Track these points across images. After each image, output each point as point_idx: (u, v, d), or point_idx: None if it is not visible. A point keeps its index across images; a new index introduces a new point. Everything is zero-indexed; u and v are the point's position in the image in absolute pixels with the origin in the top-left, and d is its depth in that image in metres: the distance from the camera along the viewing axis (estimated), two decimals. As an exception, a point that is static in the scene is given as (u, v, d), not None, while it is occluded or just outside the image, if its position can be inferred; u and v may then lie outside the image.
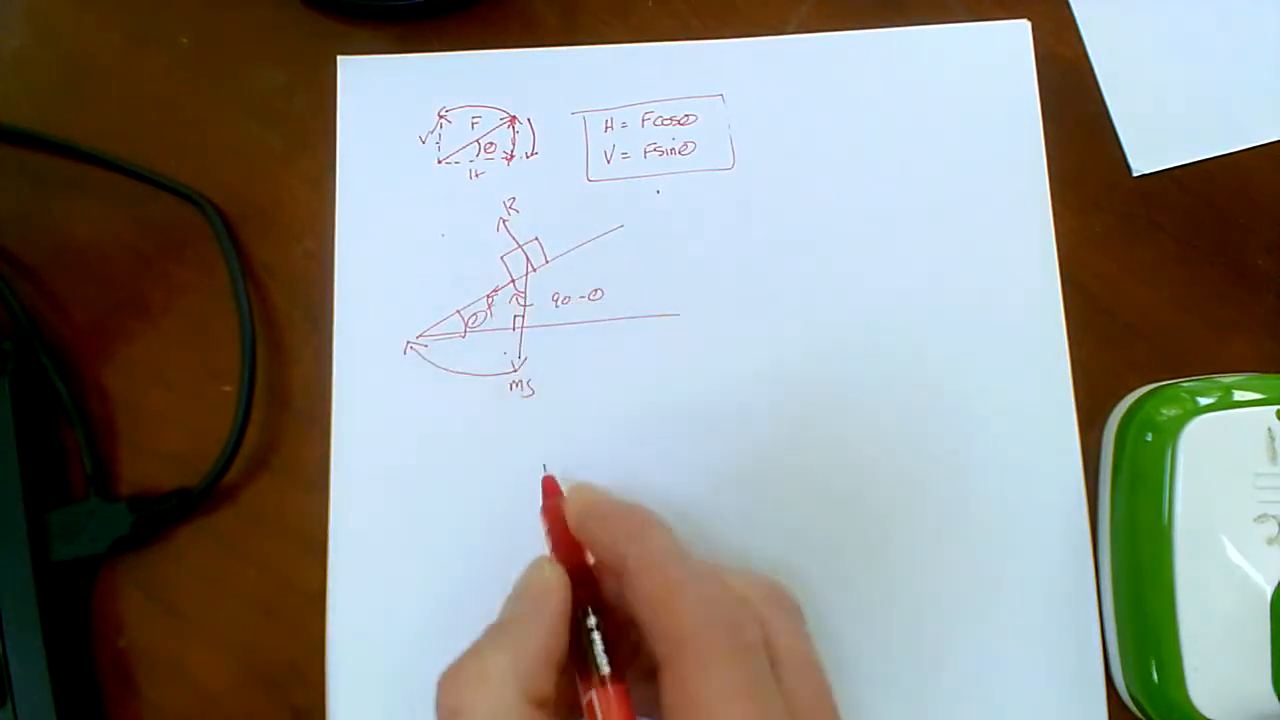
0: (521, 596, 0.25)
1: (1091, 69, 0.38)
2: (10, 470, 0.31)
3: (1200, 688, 0.30)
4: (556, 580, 0.25)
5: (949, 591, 0.33)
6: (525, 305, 0.35)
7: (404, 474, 0.33)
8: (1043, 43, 0.37)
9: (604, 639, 0.24)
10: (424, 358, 0.34)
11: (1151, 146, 0.37)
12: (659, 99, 0.36)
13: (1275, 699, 0.29)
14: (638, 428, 0.34)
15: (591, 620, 0.24)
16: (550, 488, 0.31)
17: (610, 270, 0.35)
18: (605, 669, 0.23)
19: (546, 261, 0.35)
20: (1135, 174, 0.37)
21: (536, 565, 0.26)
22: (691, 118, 0.36)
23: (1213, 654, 0.30)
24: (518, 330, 0.34)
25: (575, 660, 0.24)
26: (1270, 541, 0.30)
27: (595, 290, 0.35)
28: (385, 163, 0.36)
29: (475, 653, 0.23)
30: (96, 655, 0.32)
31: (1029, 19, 0.37)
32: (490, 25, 0.37)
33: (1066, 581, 0.33)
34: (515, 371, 0.34)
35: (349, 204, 0.35)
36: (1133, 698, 0.32)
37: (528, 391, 0.34)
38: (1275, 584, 0.30)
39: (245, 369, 0.33)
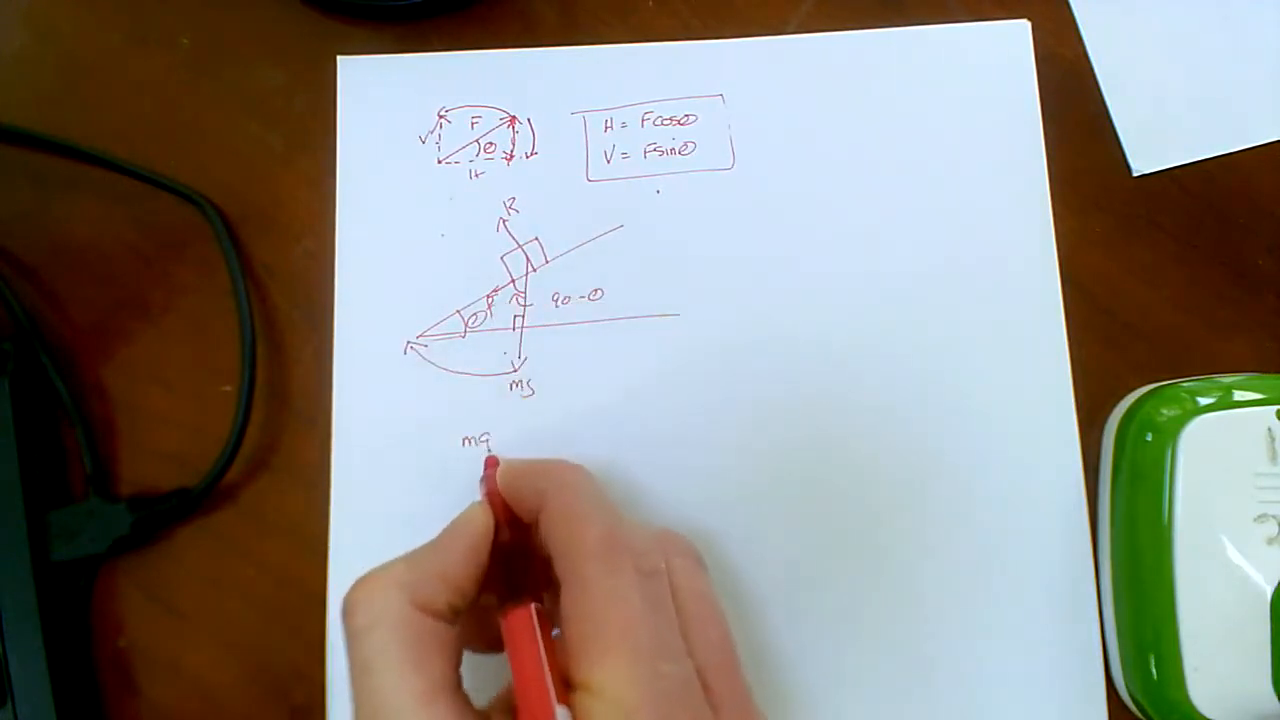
0: (445, 528, 0.27)
1: (1091, 69, 0.38)
2: (10, 470, 0.31)
3: (1200, 688, 0.30)
4: (476, 515, 0.27)
5: (949, 591, 0.33)
6: (525, 305, 0.35)
7: (404, 474, 0.33)
8: (1043, 43, 0.37)
9: (526, 574, 0.26)
10: (424, 358, 0.34)
11: (1151, 146, 0.37)
12: (659, 99, 0.36)
13: (1275, 699, 0.29)
14: (637, 428, 0.34)
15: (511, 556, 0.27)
16: (490, 462, 0.31)
17: (610, 270, 0.35)
18: (520, 591, 0.25)
19: (546, 261, 0.35)
20: (1135, 174, 0.37)
21: (468, 506, 0.28)
22: (691, 118, 0.36)
23: (1213, 654, 0.30)
24: (518, 330, 0.34)
25: (498, 594, 0.26)
26: (1270, 541, 0.30)
27: (595, 290, 0.35)
28: (385, 163, 0.36)
29: (379, 566, 0.26)
30: (96, 655, 0.32)
31: (1029, 19, 0.37)
32: (490, 25, 0.37)
33: (1066, 581, 0.33)
34: (515, 371, 0.34)
35: (349, 204, 0.35)
36: (1133, 698, 0.32)
37: (528, 391, 0.34)
38: (1275, 584, 0.30)
39: (245, 369, 0.33)
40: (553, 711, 0.22)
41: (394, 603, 0.24)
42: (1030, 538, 0.34)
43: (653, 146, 0.36)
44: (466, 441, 0.33)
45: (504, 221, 0.35)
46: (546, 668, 0.23)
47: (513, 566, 0.27)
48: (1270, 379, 0.32)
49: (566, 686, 0.23)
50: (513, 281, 0.35)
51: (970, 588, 0.33)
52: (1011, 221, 0.36)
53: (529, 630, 0.24)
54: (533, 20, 0.37)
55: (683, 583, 0.26)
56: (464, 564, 0.26)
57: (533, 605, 0.25)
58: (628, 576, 0.24)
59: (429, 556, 0.26)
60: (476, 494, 0.31)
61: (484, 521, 0.27)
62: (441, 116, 0.36)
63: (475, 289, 0.35)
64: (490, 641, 0.27)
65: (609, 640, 0.23)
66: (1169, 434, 0.31)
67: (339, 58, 0.36)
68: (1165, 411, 0.32)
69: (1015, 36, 0.37)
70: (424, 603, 0.24)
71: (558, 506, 0.26)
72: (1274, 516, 0.30)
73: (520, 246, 0.35)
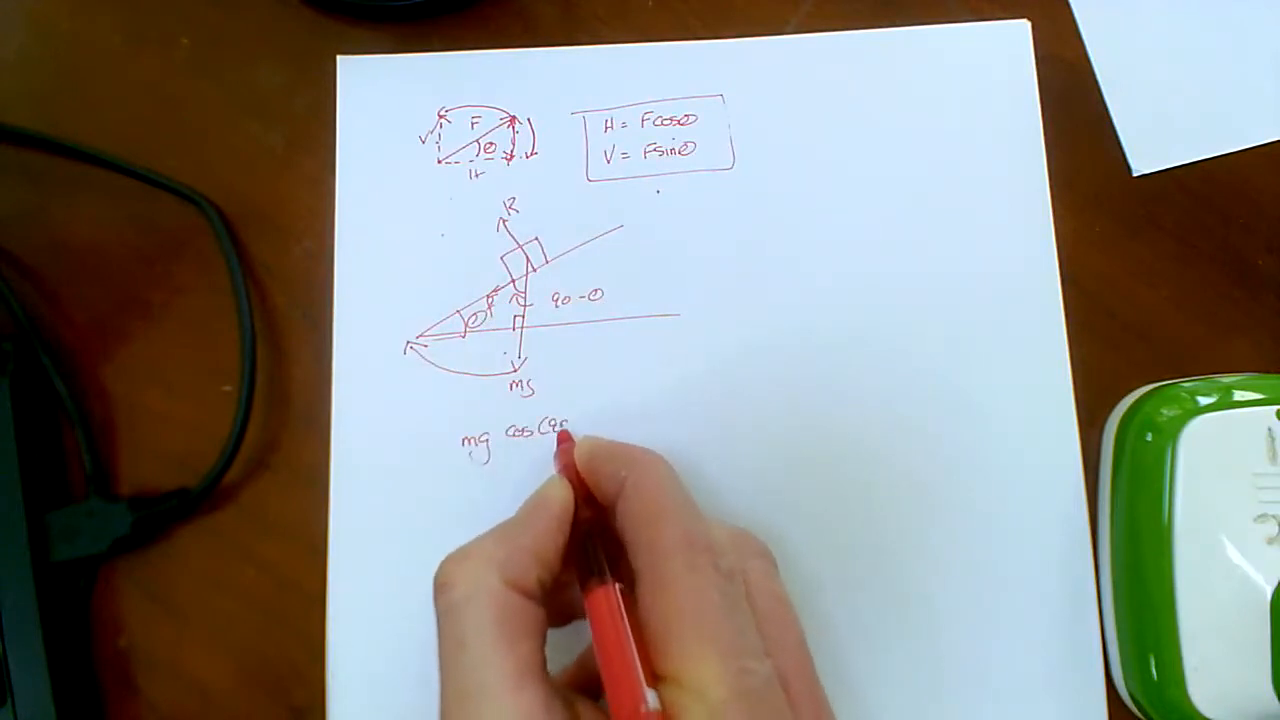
0: (527, 502, 0.27)
1: (1091, 69, 0.38)
2: (10, 470, 0.31)
3: (1200, 688, 0.30)
4: (557, 491, 0.27)
5: (948, 591, 0.33)
6: (525, 305, 0.35)
7: (404, 474, 0.33)
8: (1043, 43, 0.37)
9: (604, 552, 0.26)
10: (424, 358, 0.34)
11: (1151, 146, 0.37)
12: (659, 99, 0.36)
13: (1275, 699, 0.29)
14: (637, 428, 0.34)
15: (591, 534, 0.27)
16: (563, 436, 0.33)
17: (610, 270, 0.35)
18: (604, 570, 0.25)
19: (546, 261, 0.35)
20: (1135, 174, 0.37)
21: (548, 479, 0.28)
22: (691, 118, 0.36)
23: (1213, 654, 0.30)
24: (518, 330, 0.34)
25: (578, 569, 0.26)
26: (1270, 541, 0.30)
27: (595, 290, 0.35)
28: (385, 163, 0.36)
29: (472, 541, 0.26)
30: (96, 655, 0.32)
31: (1029, 19, 0.37)
32: (490, 25, 0.37)
33: (1066, 581, 0.33)
34: (515, 371, 0.34)
35: (349, 204, 0.35)
36: (1133, 698, 0.32)
37: (528, 391, 0.34)
38: (1275, 584, 0.30)
39: (245, 369, 0.33)
40: (643, 694, 0.22)
41: (490, 578, 0.24)
42: (1030, 538, 0.34)
43: (653, 146, 0.36)
44: (466, 441, 0.33)
45: (504, 221, 0.35)
46: (634, 649, 0.23)
47: (587, 544, 0.26)
48: (1270, 379, 0.32)
49: (651, 675, 0.23)
50: (513, 281, 0.35)
51: (970, 587, 0.33)
52: (1011, 221, 0.36)
53: (614, 610, 0.24)
54: (533, 20, 0.37)
55: (759, 583, 0.26)
56: (550, 540, 0.26)
57: (615, 585, 0.25)
58: (709, 574, 0.24)
59: (518, 532, 0.26)
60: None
61: (566, 497, 0.27)
62: (441, 116, 0.36)
63: (475, 289, 0.35)
64: (555, 615, 0.27)
65: (695, 637, 0.23)
66: (1169, 434, 0.31)
67: (339, 58, 0.36)
68: (1165, 411, 0.32)
69: (1015, 36, 0.37)
70: (516, 579, 0.24)
71: (639, 497, 0.26)
72: (1274, 516, 0.30)
73: (520, 246, 0.35)
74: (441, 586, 0.25)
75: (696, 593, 0.23)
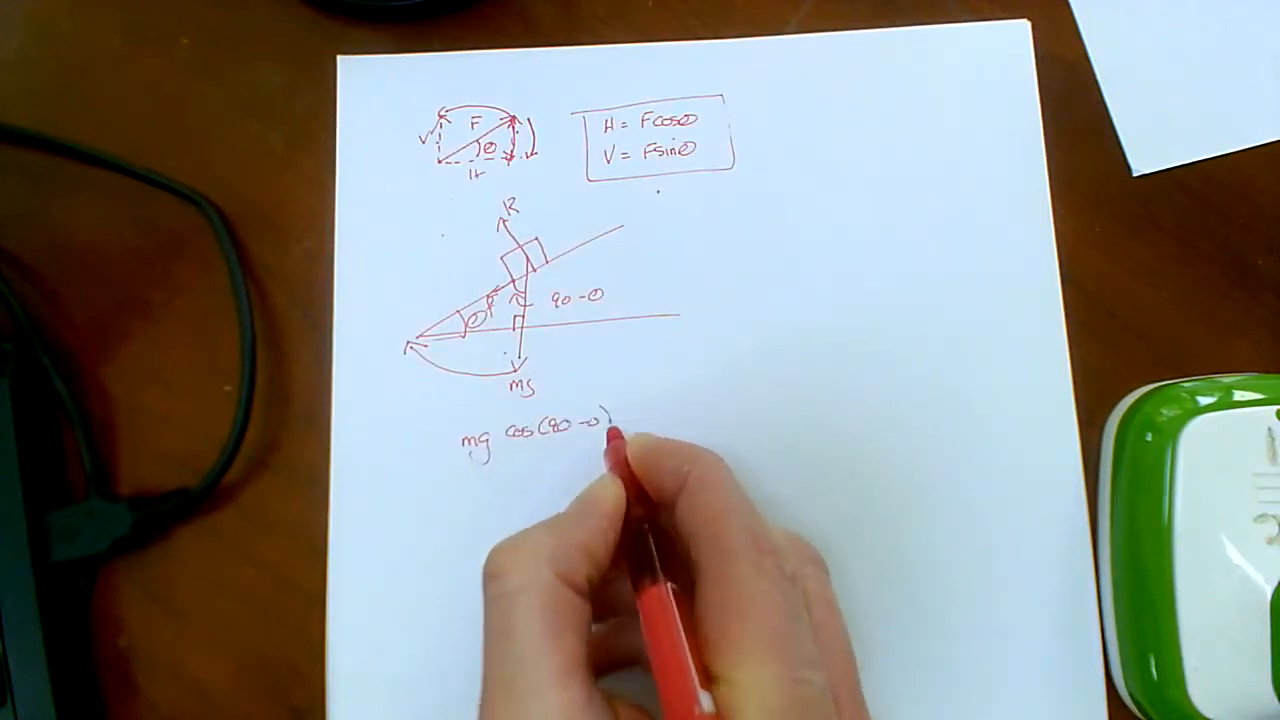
0: (578, 500, 0.27)
1: (1091, 69, 0.38)
2: (10, 470, 0.31)
3: (1200, 688, 0.30)
4: (610, 489, 0.27)
5: (948, 591, 0.33)
6: (525, 305, 0.35)
7: (404, 474, 0.33)
8: (1043, 43, 0.37)
9: (657, 549, 0.26)
10: (424, 358, 0.34)
11: (1151, 146, 0.37)
12: (659, 99, 0.36)
13: (1275, 699, 0.29)
14: (637, 428, 0.34)
15: (644, 532, 0.26)
16: (613, 433, 0.32)
17: (610, 270, 0.35)
18: (657, 569, 0.25)
19: (546, 261, 0.35)
20: (1135, 174, 0.37)
21: (599, 478, 0.28)
22: (691, 118, 0.36)
23: (1213, 654, 0.30)
24: (518, 330, 0.34)
25: (631, 567, 0.26)
26: (1270, 541, 0.30)
27: (595, 290, 0.35)
28: (385, 163, 0.36)
29: (524, 532, 0.26)
30: (96, 655, 0.32)
31: (1029, 19, 0.37)
32: (490, 25, 0.37)
33: (1066, 581, 0.33)
34: (515, 371, 0.34)
35: (349, 204, 0.35)
36: (1133, 698, 0.32)
37: (528, 391, 0.34)
38: (1275, 584, 0.30)
39: (245, 369, 0.33)
40: (696, 695, 0.22)
41: (541, 571, 0.24)
42: (1030, 538, 0.34)
43: (653, 146, 0.36)
44: (466, 441, 0.33)
45: (504, 221, 0.35)
46: (687, 650, 0.23)
47: (639, 543, 0.26)
48: (1270, 379, 0.32)
49: (704, 675, 0.23)
50: (513, 281, 0.35)
51: (970, 587, 0.33)
52: (1011, 221, 0.36)
53: (668, 610, 0.24)
54: (533, 20, 0.37)
55: (814, 591, 0.26)
56: (602, 537, 0.26)
57: (668, 584, 0.24)
58: (774, 579, 0.24)
59: (571, 527, 0.26)
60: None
61: (617, 495, 0.27)
62: (441, 116, 0.36)
63: (475, 289, 0.35)
64: (595, 610, 0.26)
65: (756, 640, 0.23)
66: (1169, 434, 0.31)
67: (339, 58, 0.36)
68: (1165, 411, 0.32)
69: (1015, 36, 0.37)
70: (566, 574, 0.24)
71: (705, 492, 0.26)
72: (1274, 516, 0.30)
73: (520, 246, 0.35)
74: (492, 575, 0.25)
75: (761, 596, 0.23)
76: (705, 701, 0.22)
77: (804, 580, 0.26)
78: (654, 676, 0.23)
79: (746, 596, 0.23)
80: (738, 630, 0.23)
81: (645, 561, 0.25)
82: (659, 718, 0.23)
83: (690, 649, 0.23)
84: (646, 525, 0.27)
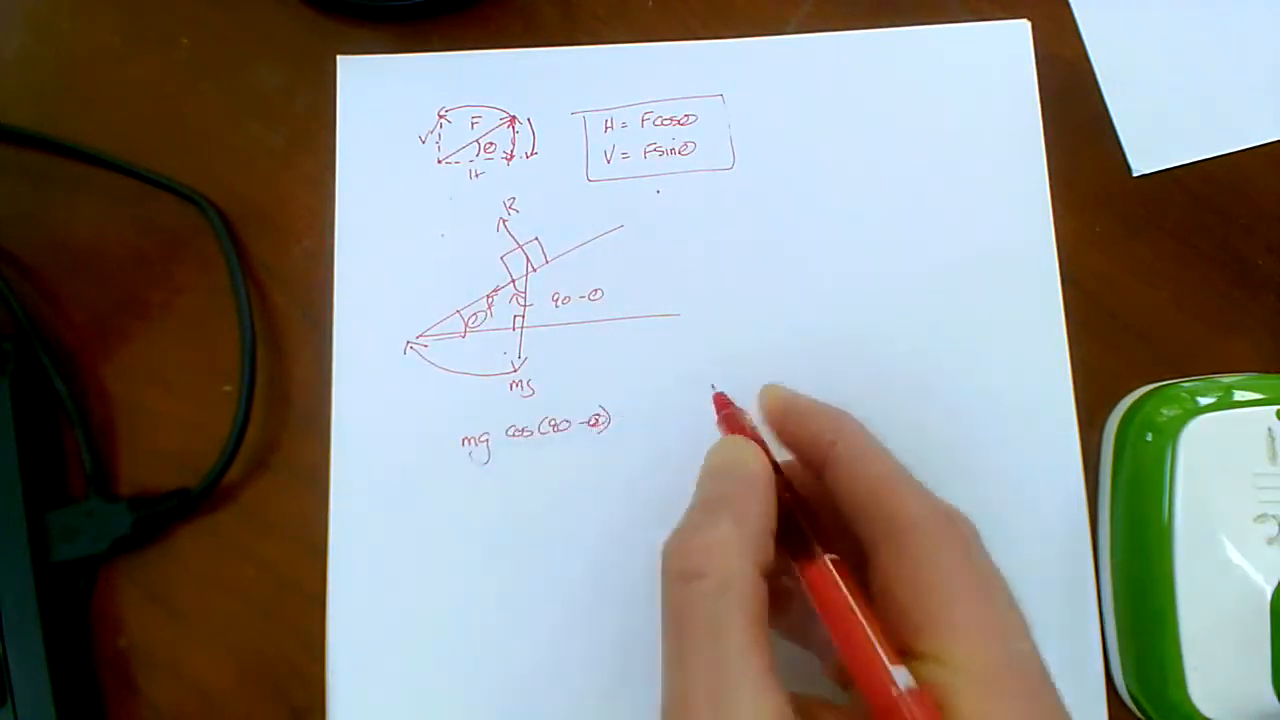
0: (724, 475, 0.25)
1: (1091, 69, 0.38)
2: (10, 470, 0.31)
3: (1200, 688, 0.30)
4: (757, 456, 0.25)
5: (949, 591, 0.33)
6: (525, 305, 0.35)
7: (404, 474, 0.33)
8: (1043, 43, 0.37)
9: (788, 520, 0.24)
10: (424, 358, 0.34)
11: (1151, 146, 0.37)
12: (659, 99, 0.36)
13: (1275, 699, 0.29)
14: (637, 428, 0.34)
15: (796, 505, 0.24)
16: (722, 400, 0.30)
17: (610, 270, 0.35)
18: (814, 544, 0.23)
19: (546, 261, 0.35)
20: (1135, 174, 0.37)
21: (730, 443, 0.26)
22: (691, 118, 0.36)
23: (1213, 654, 0.30)
24: (518, 330, 0.34)
25: (789, 545, 0.24)
26: (1270, 541, 0.30)
27: (595, 290, 0.35)
28: (385, 163, 0.36)
29: (695, 527, 0.23)
30: (96, 655, 0.32)
31: (1029, 19, 0.37)
32: (490, 25, 0.37)
33: (1066, 581, 0.33)
34: (515, 371, 0.34)
35: (349, 204, 0.35)
36: (1133, 698, 0.32)
37: (528, 391, 0.34)
38: (1275, 584, 0.30)
39: (245, 369, 0.33)
40: (889, 671, 0.21)
41: (744, 566, 0.22)
42: (1030, 538, 0.34)
43: (653, 146, 0.36)
44: (466, 441, 0.33)
45: (504, 221, 0.35)
46: (868, 625, 0.22)
47: (788, 517, 0.24)
48: (1270, 379, 0.32)
49: (898, 653, 0.22)
50: (513, 281, 0.35)
51: (970, 588, 0.33)
52: (1011, 221, 0.36)
53: (839, 586, 0.22)
54: (533, 20, 0.37)
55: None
56: (774, 513, 0.24)
57: (828, 557, 0.23)
58: (963, 549, 0.23)
59: (746, 510, 0.23)
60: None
61: (764, 463, 0.25)
62: (441, 116, 0.36)
63: (475, 289, 0.35)
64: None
65: (965, 615, 0.22)
66: (1169, 434, 0.31)
67: (339, 58, 0.36)
68: (1165, 411, 0.32)
69: (1015, 36, 0.37)
70: (765, 566, 0.23)
71: (859, 465, 0.24)
72: (1274, 516, 0.30)
73: (520, 246, 0.35)
74: (685, 575, 0.22)
75: (958, 569, 0.22)
76: (902, 678, 0.21)
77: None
78: (841, 655, 0.22)
79: (941, 572, 0.22)
80: (936, 604, 0.22)
81: (801, 536, 0.24)
82: (836, 700, 0.22)
83: (869, 623, 0.22)
84: (794, 497, 0.25)
